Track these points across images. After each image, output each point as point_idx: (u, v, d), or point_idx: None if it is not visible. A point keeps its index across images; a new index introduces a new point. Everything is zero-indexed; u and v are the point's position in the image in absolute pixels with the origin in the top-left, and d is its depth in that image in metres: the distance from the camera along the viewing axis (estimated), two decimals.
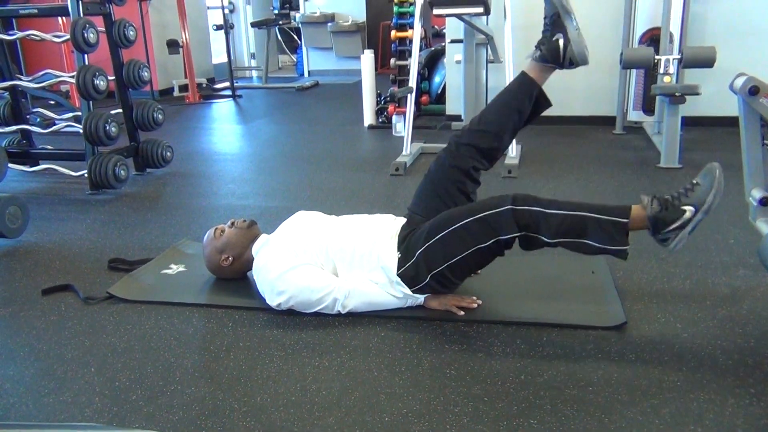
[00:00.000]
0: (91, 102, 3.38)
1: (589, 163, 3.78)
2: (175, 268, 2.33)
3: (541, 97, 1.99)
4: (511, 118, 1.99)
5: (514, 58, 3.93)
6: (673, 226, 1.68)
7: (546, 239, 1.74)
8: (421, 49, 4.37)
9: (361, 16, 9.08)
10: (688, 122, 4.01)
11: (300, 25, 9.14)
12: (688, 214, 1.66)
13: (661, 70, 3.54)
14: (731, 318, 1.85)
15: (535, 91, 1.97)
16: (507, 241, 1.77)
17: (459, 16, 3.66)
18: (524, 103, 1.98)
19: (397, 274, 1.89)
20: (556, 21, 1.90)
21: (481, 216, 1.76)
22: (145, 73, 3.73)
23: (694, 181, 1.70)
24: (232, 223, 2.14)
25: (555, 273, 2.19)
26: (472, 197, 2.01)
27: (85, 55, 3.35)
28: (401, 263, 1.88)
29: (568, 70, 1.95)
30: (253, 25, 8.68)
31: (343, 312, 1.91)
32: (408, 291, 1.89)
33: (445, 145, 2.06)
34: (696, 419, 1.40)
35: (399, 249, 1.91)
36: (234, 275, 2.17)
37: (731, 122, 2.38)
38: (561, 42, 1.88)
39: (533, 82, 1.97)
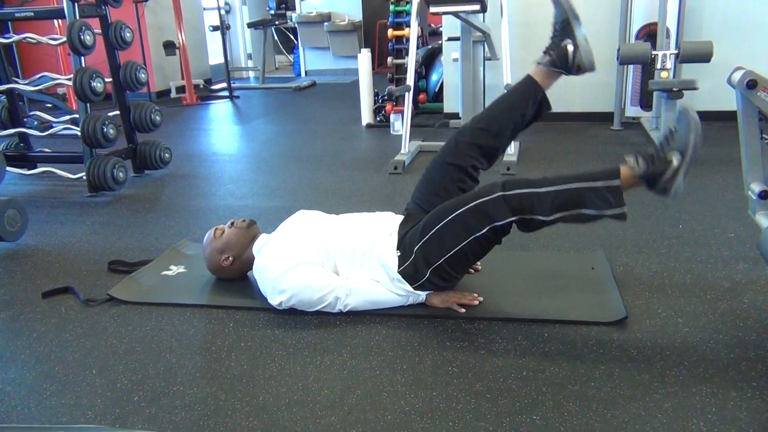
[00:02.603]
0: (88, 104, 3.38)
1: (588, 160, 3.78)
2: (175, 269, 2.33)
3: (543, 101, 1.99)
4: (514, 119, 1.99)
5: (511, 55, 3.93)
6: (666, 176, 1.69)
7: (543, 218, 1.73)
8: (418, 48, 4.38)
9: (357, 15, 9.08)
10: None
11: (296, 25, 9.14)
12: (675, 162, 1.68)
13: (659, 66, 3.54)
14: (732, 312, 1.85)
15: (540, 95, 1.97)
16: (503, 227, 1.76)
17: (456, 14, 3.66)
18: (528, 106, 1.98)
19: (398, 272, 1.89)
20: (565, 27, 1.90)
21: (473, 205, 1.77)
22: (142, 75, 3.72)
23: (672, 128, 1.73)
24: (232, 223, 2.14)
25: (555, 269, 2.19)
26: None
27: (82, 58, 3.35)
28: (401, 261, 1.89)
29: (576, 76, 1.95)
30: (249, 25, 8.67)
31: (344, 310, 1.91)
32: (409, 288, 1.89)
33: (444, 143, 2.06)
34: (698, 413, 1.40)
35: (398, 247, 1.91)
36: (234, 275, 2.17)
37: (729, 116, 2.38)
38: (570, 48, 1.89)
39: (538, 86, 1.97)
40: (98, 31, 3.48)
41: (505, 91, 2.10)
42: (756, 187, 2.02)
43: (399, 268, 1.88)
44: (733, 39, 4.34)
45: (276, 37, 10.13)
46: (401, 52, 5.42)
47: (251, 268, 2.07)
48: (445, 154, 2.02)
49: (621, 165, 1.73)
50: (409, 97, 3.96)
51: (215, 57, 8.48)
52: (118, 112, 3.75)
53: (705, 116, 4.85)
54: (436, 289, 1.92)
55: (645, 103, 4.43)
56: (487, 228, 1.75)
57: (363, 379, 1.60)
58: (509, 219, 1.74)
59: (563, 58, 1.90)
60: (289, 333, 1.84)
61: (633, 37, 4.41)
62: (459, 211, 1.78)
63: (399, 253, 1.90)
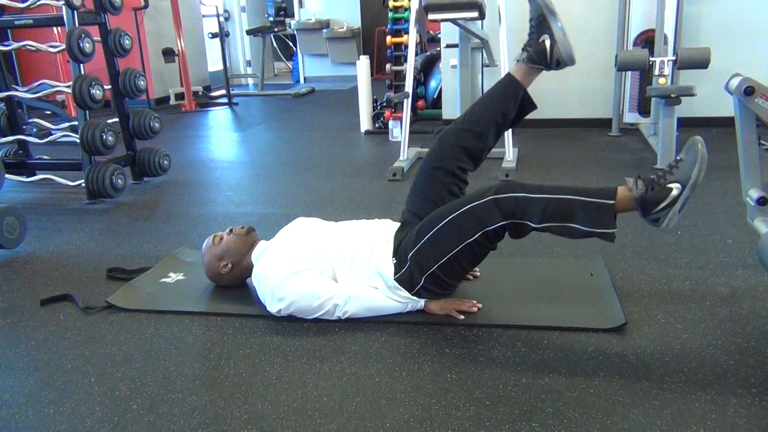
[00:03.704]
0: (87, 111, 3.38)
1: (586, 166, 3.79)
2: (173, 277, 2.33)
3: (526, 99, 1.98)
4: (495, 119, 1.99)
5: (509, 62, 3.94)
6: (662, 205, 1.66)
7: (532, 224, 1.72)
8: (416, 54, 4.38)
9: (356, 22, 9.11)
10: (684, 123, 4.02)
11: (295, 32, 9.17)
12: (674, 192, 1.65)
13: (656, 72, 3.55)
14: (731, 318, 1.85)
15: (521, 92, 1.97)
16: (495, 231, 1.75)
17: (454, 21, 3.67)
18: (509, 105, 1.98)
19: (394, 279, 1.89)
20: (541, 22, 1.90)
21: (465, 209, 1.76)
22: (141, 82, 3.73)
23: (678, 158, 1.70)
24: (231, 230, 2.14)
25: (554, 276, 2.19)
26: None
27: (81, 65, 3.35)
28: (397, 268, 1.89)
29: (556, 71, 1.95)
30: (248, 32, 8.70)
31: (343, 317, 1.91)
32: (408, 294, 1.89)
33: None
34: (698, 420, 1.40)
35: (394, 255, 1.91)
36: (233, 282, 2.17)
37: (727, 123, 2.38)
38: (548, 43, 1.88)
39: (518, 84, 1.97)
40: (97, 38, 3.49)
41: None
42: (754, 193, 2.02)
43: (395, 275, 1.88)
44: (730, 45, 4.36)
45: (275, 44, 10.17)
46: (400, 59, 5.44)
47: (250, 275, 2.07)
48: (431, 158, 2.03)
49: (620, 186, 1.72)
50: (407, 104, 3.97)
51: (214, 64, 8.50)
52: (117, 120, 3.75)
53: (703, 122, 4.89)
54: (433, 296, 1.91)
55: (643, 109, 4.44)
56: (480, 233, 1.75)
57: (362, 386, 1.60)
58: (500, 223, 1.73)
59: (541, 54, 1.90)
60: (287, 340, 1.84)
61: (631, 43, 4.43)
62: (451, 216, 1.78)
63: (395, 261, 1.90)
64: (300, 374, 1.66)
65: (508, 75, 2.00)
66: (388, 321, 1.91)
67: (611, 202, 1.68)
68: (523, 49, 1.97)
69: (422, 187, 2.03)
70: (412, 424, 1.43)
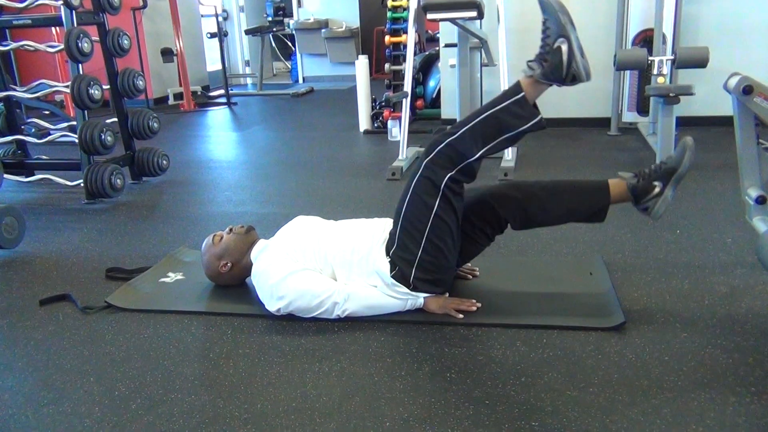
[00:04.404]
0: (86, 111, 3.38)
1: (585, 165, 3.79)
2: (173, 276, 2.32)
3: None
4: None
5: (508, 61, 3.94)
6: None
7: (474, 156, 1.78)
8: (415, 54, 4.38)
9: (354, 21, 9.11)
10: (683, 122, 4.02)
11: (294, 32, 9.16)
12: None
13: (655, 71, 3.54)
14: (730, 317, 1.85)
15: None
16: (450, 187, 1.79)
17: (453, 21, 3.67)
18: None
19: (391, 277, 1.89)
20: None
21: (413, 184, 1.83)
22: (140, 82, 3.73)
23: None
24: (230, 230, 2.14)
25: (553, 275, 2.19)
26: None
27: (80, 65, 3.35)
28: (392, 266, 1.90)
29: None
30: (247, 32, 8.69)
31: (342, 316, 1.91)
32: (406, 290, 1.89)
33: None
34: (697, 419, 1.40)
35: (387, 254, 1.92)
36: (233, 281, 2.17)
37: (726, 122, 2.39)
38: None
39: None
40: (96, 38, 3.48)
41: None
42: (753, 192, 2.03)
43: (391, 272, 1.89)
44: (729, 45, 4.36)
45: (273, 44, 10.16)
46: (399, 59, 5.44)
47: (250, 275, 2.07)
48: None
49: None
50: (406, 104, 3.97)
51: (213, 64, 8.49)
52: (115, 119, 3.75)
53: (701, 122, 4.89)
54: (430, 288, 1.91)
55: (642, 108, 4.44)
56: (439, 195, 1.79)
57: (361, 385, 1.60)
58: (448, 173, 1.78)
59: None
60: (287, 340, 1.84)
61: (629, 42, 4.43)
62: (406, 198, 1.85)
63: (389, 259, 1.90)
64: (299, 374, 1.66)
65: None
66: (387, 320, 1.91)
67: (521, 95, 1.75)
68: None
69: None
70: (412, 424, 1.43)
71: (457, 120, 4.34)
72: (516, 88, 1.76)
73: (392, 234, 1.91)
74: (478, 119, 1.78)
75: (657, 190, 1.82)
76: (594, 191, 1.93)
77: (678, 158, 1.82)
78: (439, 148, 1.79)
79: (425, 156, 1.81)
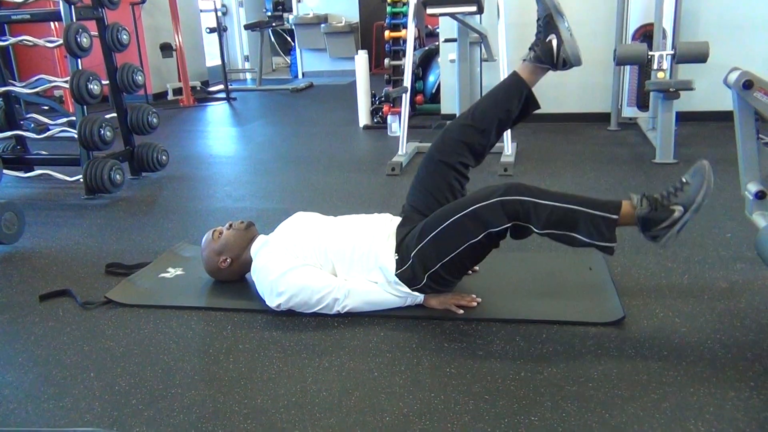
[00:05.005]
0: (85, 106, 3.38)
1: (585, 160, 3.79)
2: (172, 272, 2.33)
3: (530, 98, 1.99)
4: (499, 116, 2.00)
5: (508, 57, 3.93)
6: (663, 225, 1.69)
7: (535, 229, 1.74)
8: (415, 49, 4.38)
9: (354, 16, 9.09)
10: (683, 117, 4.03)
11: (293, 27, 9.15)
12: (677, 214, 1.67)
13: (655, 66, 3.55)
14: (730, 312, 1.85)
15: (525, 91, 1.98)
16: (498, 233, 1.76)
17: (452, 15, 3.66)
18: (513, 103, 1.99)
19: (395, 275, 1.89)
20: (549, 22, 1.91)
21: (470, 210, 1.76)
22: (139, 77, 3.72)
23: (684, 180, 1.71)
24: (230, 225, 2.14)
25: (553, 270, 2.19)
26: (463, 193, 2.01)
27: (79, 60, 3.34)
28: (399, 265, 1.89)
29: (562, 71, 1.96)
30: (246, 27, 8.68)
31: (342, 312, 1.91)
32: (407, 289, 1.89)
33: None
34: (696, 413, 1.40)
35: (396, 251, 1.91)
36: (232, 277, 2.17)
37: (725, 117, 2.39)
38: (554, 42, 1.90)
39: (523, 83, 1.98)
40: (95, 33, 3.48)
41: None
42: (753, 187, 2.03)
43: (396, 271, 1.88)
44: (729, 39, 4.35)
45: (273, 39, 10.14)
46: (398, 54, 5.43)
47: (249, 270, 2.07)
48: (433, 152, 2.03)
49: (624, 201, 1.73)
50: (406, 99, 3.96)
51: (212, 59, 8.48)
52: (115, 115, 3.74)
53: (701, 116, 4.89)
54: (433, 293, 1.92)
55: (642, 103, 4.43)
56: (483, 234, 1.76)
57: (361, 380, 1.60)
58: (505, 225, 1.74)
59: (548, 53, 1.91)
60: (287, 335, 1.84)
61: (629, 37, 4.42)
62: (456, 216, 1.78)
63: (397, 257, 1.90)
64: (299, 369, 1.66)
65: (514, 73, 2.01)
66: (387, 316, 1.91)
67: (615, 216, 1.69)
68: (530, 49, 1.97)
69: (423, 181, 2.03)
70: (412, 418, 1.43)
71: (457, 115, 4.34)
72: (615, 206, 1.70)
73: (416, 235, 1.86)
74: (566, 206, 1.70)
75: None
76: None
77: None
78: (519, 197, 1.71)
79: (502, 194, 1.72)
